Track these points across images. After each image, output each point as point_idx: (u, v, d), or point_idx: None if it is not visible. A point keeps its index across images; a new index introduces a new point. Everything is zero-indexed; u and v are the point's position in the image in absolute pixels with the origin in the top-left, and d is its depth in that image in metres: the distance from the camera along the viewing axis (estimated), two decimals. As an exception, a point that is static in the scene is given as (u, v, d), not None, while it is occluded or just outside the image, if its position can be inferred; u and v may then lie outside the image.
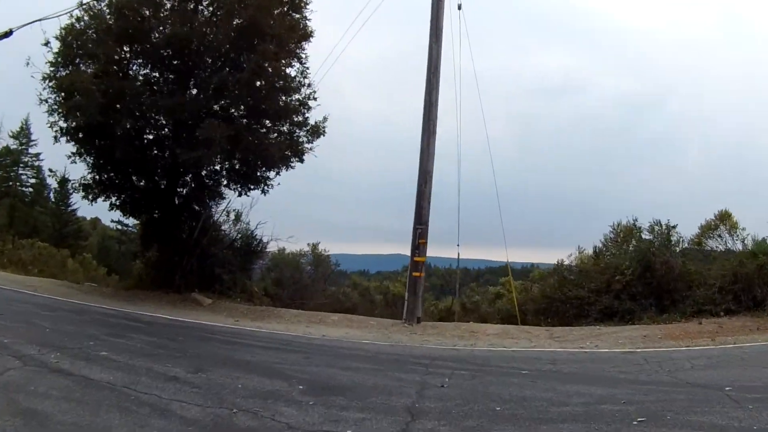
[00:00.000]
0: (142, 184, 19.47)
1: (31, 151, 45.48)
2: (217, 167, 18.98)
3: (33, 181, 46.50)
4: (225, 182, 19.74)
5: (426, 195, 15.33)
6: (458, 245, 18.60)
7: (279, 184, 19.55)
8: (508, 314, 20.25)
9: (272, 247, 22.42)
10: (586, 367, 10.11)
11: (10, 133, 44.54)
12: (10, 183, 46.10)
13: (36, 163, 45.83)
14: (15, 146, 45.78)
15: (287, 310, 17.06)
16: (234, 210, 20.75)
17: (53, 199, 46.82)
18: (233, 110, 17.81)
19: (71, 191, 28.10)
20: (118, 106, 16.62)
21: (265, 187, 19.45)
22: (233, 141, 16.68)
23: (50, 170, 40.64)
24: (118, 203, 19.68)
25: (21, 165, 46.40)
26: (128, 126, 16.69)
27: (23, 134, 44.56)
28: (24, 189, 46.90)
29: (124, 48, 17.36)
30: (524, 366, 9.84)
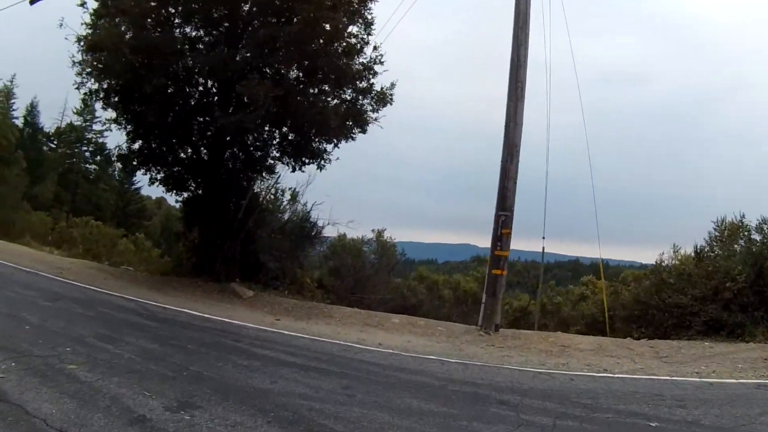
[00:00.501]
0: (184, 155, 17.25)
1: (95, 127, 44.12)
2: (265, 135, 16.43)
3: (98, 158, 45.35)
4: (275, 154, 17.17)
5: (511, 174, 12.41)
6: (543, 237, 15.49)
7: (338, 158, 16.97)
8: (593, 320, 17.53)
9: (330, 232, 19.90)
10: (724, 412, 7.27)
11: (74, 110, 43.42)
12: (75, 159, 45.12)
13: (100, 140, 44.50)
14: (79, 123, 44.81)
15: (340, 308, 14.46)
16: (288, 188, 18.28)
17: (117, 177, 45.74)
18: (283, 70, 15.13)
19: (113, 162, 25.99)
20: (152, 64, 14.28)
21: (322, 162, 16.84)
22: (282, 103, 14.08)
23: (113, 148, 39.18)
24: (159, 177, 17.54)
25: (85, 142, 45.32)
26: (160, 86, 14.42)
27: (87, 111, 43.06)
28: (88, 166, 45.85)
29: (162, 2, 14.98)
30: (647, 409, 7.21)
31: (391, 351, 10.09)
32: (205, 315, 11.97)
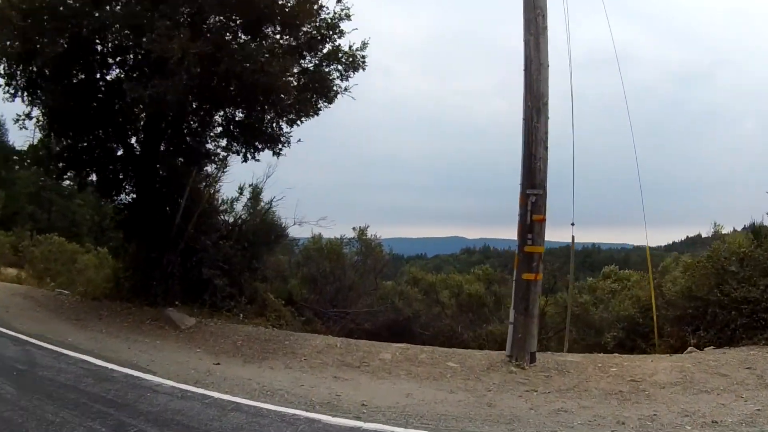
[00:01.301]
0: (119, 151, 13.77)
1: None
2: (202, 113, 12.70)
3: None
4: (222, 143, 13.47)
5: (540, 135, 8.64)
6: (573, 224, 11.65)
7: (300, 140, 13.30)
8: (632, 323, 13.87)
9: (299, 233, 16.13)
10: None
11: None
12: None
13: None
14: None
15: (310, 339, 10.70)
16: (248, 185, 14.56)
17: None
18: (211, 19, 11.34)
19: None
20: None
21: (279, 146, 13.14)
22: (211, 62, 10.34)
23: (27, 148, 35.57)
24: (90, 180, 14.45)
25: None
26: (56, 55, 10.68)
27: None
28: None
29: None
30: None
31: (380, 416, 6.37)
32: (110, 365, 8.22)
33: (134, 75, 11.46)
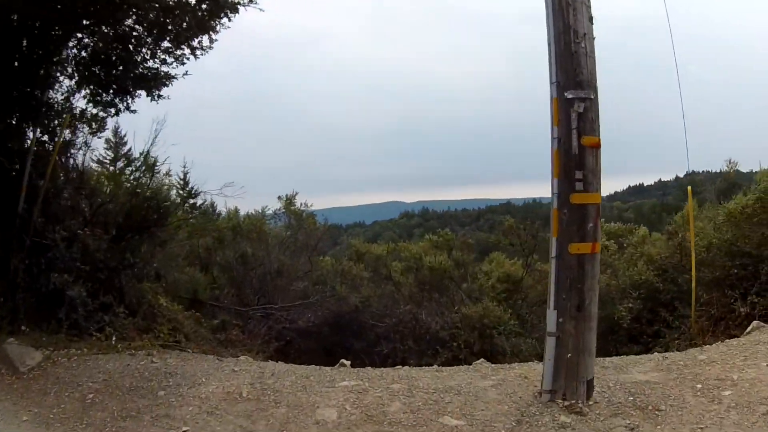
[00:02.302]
0: None
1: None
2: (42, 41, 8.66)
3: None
4: (71, 84, 9.37)
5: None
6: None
7: (186, 74, 9.54)
8: (651, 289, 11.30)
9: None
10: None
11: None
12: None
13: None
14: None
15: (202, 382, 6.63)
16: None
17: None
18: None
19: None
20: None
21: (154, 90, 9.36)
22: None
23: None
24: None
25: None
26: None
27: None
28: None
29: None
30: None
31: None
32: None
33: None
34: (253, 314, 12.17)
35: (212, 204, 15.91)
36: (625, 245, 13.47)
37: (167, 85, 9.44)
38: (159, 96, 9.52)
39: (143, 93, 9.50)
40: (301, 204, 15.74)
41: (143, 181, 10.41)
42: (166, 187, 11.53)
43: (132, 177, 10.57)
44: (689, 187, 10.09)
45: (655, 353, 7.36)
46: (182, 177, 24.40)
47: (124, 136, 14.71)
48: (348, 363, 8.21)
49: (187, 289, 12.29)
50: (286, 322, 12.22)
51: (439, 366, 7.70)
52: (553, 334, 4.87)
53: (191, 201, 23.28)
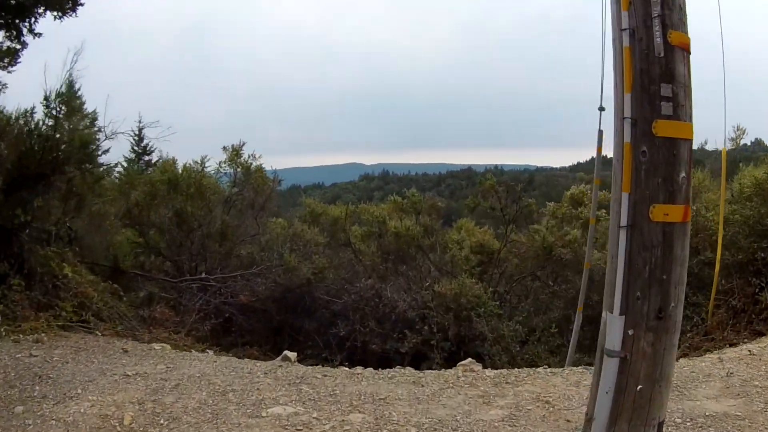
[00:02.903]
0: None
1: None
2: None
3: None
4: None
5: None
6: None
7: None
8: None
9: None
10: None
11: None
12: None
13: None
14: None
15: (113, 362, 4.74)
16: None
17: None
18: None
19: None
20: None
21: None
22: None
23: None
24: None
25: None
26: None
27: None
28: None
29: None
30: None
31: None
32: None
33: None
34: (187, 286, 10.16)
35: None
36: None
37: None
38: (63, 15, 7.55)
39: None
40: (248, 156, 13.58)
41: (43, 122, 8.29)
42: (85, 129, 9.44)
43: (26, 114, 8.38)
44: (724, 148, 8.24)
45: (708, 359, 5.56)
46: (137, 133, 22.17)
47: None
48: (293, 356, 6.37)
49: (108, 255, 10.25)
50: (226, 295, 10.24)
51: (415, 370, 5.80)
52: (615, 354, 2.98)
53: (146, 158, 20.83)
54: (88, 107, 9.53)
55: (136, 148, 30.81)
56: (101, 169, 10.16)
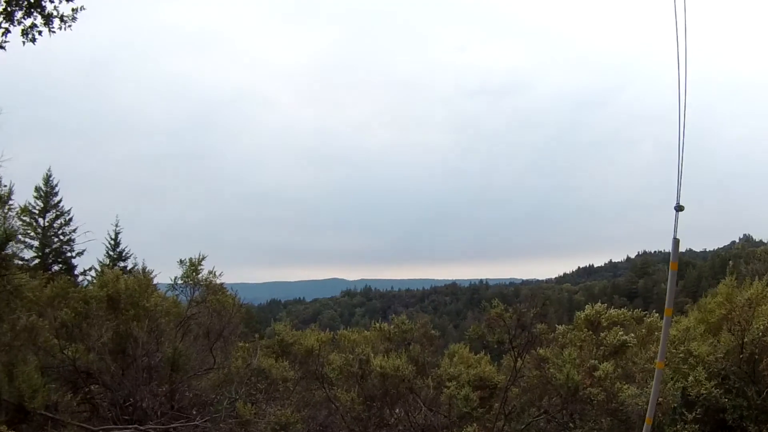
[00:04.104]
0: None
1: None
2: None
3: None
4: None
5: None
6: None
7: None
8: (712, 406, 8.22)
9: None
10: None
11: None
12: None
13: None
14: None
15: None
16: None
17: None
18: None
19: None
20: None
21: None
22: None
23: None
24: None
25: None
26: None
27: None
28: None
29: None
30: None
31: None
32: None
33: None
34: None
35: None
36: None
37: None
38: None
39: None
40: (208, 273, 11.33)
41: None
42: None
43: None
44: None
45: None
46: (113, 237, 20.22)
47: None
48: None
49: (12, 390, 7.97)
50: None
51: None
52: None
53: (121, 264, 18.84)
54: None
55: (111, 252, 28.49)
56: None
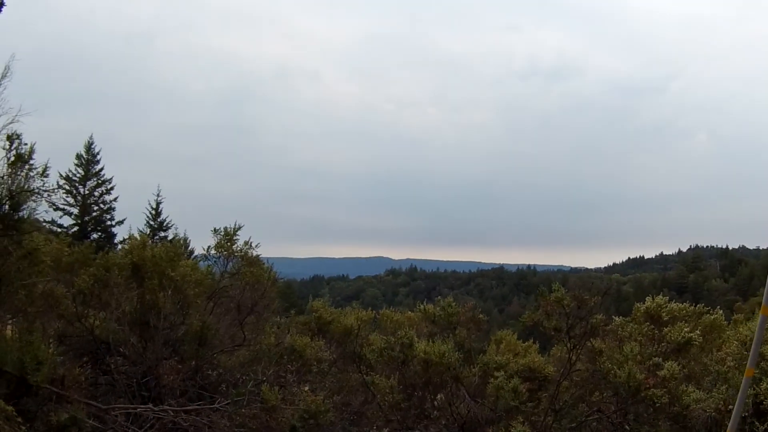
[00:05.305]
0: None
1: None
2: None
3: None
4: None
5: None
6: None
7: None
8: None
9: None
10: None
11: None
12: None
13: None
14: None
15: None
16: None
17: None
18: None
19: None
20: None
21: None
22: None
23: None
24: None
25: None
26: None
27: None
28: None
29: None
30: None
31: None
32: None
33: None
34: (118, 418, 7.03)
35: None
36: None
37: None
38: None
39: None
40: (243, 244, 10.47)
41: None
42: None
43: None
44: None
45: None
46: (154, 207, 19.94)
47: None
48: None
49: (14, 361, 7.23)
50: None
51: None
52: None
53: (162, 234, 18.65)
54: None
55: (152, 222, 28.19)
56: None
